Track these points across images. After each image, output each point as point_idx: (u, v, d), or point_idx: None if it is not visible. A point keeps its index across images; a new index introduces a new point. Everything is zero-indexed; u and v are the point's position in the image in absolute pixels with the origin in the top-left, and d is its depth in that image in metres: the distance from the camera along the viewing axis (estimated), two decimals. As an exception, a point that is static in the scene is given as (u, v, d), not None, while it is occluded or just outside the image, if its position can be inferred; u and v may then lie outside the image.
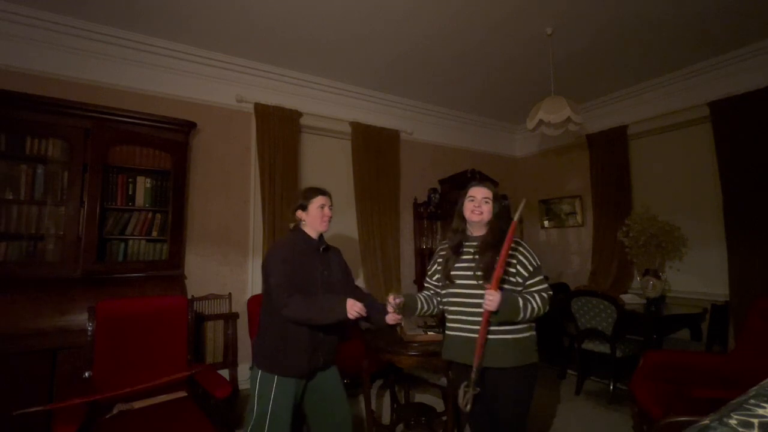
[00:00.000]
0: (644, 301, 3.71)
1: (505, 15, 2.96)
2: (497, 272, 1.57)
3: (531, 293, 1.69)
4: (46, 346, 2.29)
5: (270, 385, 1.72)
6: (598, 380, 3.55)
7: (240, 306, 3.48)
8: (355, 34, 3.19)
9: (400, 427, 2.63)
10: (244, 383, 3.31)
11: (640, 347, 3.25)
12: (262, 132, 3.64)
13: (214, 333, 3.28)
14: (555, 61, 3.34)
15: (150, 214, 3.06)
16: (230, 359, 3.27)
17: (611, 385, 3.17)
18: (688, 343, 3.59)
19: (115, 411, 2.02)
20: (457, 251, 1.81)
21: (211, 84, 3.54)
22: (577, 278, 4.83)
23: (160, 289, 2.92)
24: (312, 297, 1.72)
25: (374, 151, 4.28)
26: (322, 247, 1.89)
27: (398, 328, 2.40)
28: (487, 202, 1.76)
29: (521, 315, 1.63)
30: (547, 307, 1.69)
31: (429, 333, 2.46)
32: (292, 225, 1.95)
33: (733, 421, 0.49)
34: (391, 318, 1.80)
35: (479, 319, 1.65)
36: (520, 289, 1.71)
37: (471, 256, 1.76)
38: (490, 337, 1.64)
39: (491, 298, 1.56)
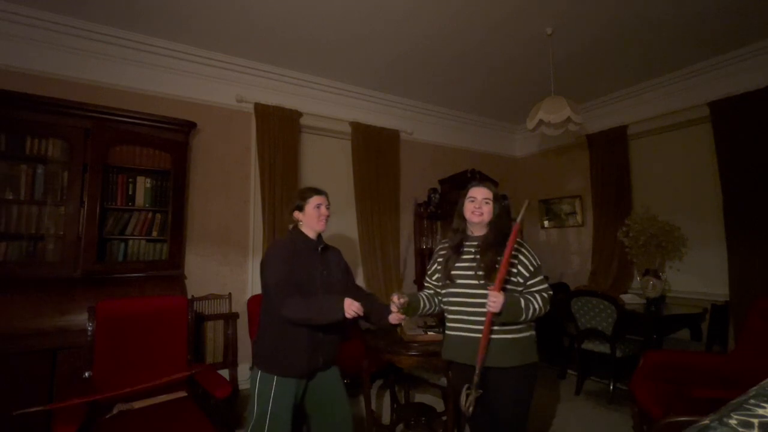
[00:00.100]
0: (644, 301, 3.71)
1: (505, 15, 2.96)
2: (500, 274, 1.57)
3: (532, 293, 1.70)
4: (46, 346, 2.29)
5: (269, 385, 1.71)
6: (598, 380, 3.55)
7: (240, 306, 3.48)
8: (355, 34, 3.19)
9: (400, 427, 2.63)
10: (244, 383, 3.31)
11: (640, 347, 3.25)
12: (262, 132, 3.64)
13: (214, 333, 3.28)
14: (555, 61, 3.34)
15: (150, 214, 3.06)
16: (230, 359, 3.27)
17: (611, 385, 3.17)
18: (688, 343, 3.59)
19: (115, 411, 2.02)
20: (457, 251, 1.81)
21: (211, 84, 3.54)
22: (577, 278, 4.83)
23: (160, 289, 2.92)
24: (311, 297, 1.72)
25: (374, 151, 4.28)
26: (320, 247, 1.89)
27: (398, 329, 2.40)
28: (487, 203, 1.76)
29: (523, 316, 1.64)
30: (548, 307, 1.70)
31: (429, 333, 2.46)
32: (290, 226, 1.95)
33: (733, 421, 0.49)
34: (394, 318, 1.79)
35: (480, 318, 1.66)
36: (520, 289, 1.72)
37: (472, 256, 1.76)
38: (491, 337, 1.64)
39: (495, 300, 1.56)
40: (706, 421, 0.50)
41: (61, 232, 2.72)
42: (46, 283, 2.60)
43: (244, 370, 3.34)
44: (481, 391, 1.59)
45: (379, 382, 3.40)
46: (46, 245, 2.73)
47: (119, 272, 2.88)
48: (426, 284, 1.98)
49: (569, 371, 3.74)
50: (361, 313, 1.62)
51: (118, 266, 2.90)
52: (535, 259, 1.75)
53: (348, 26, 3.08)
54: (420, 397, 3.21)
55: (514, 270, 1.71)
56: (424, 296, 1.90)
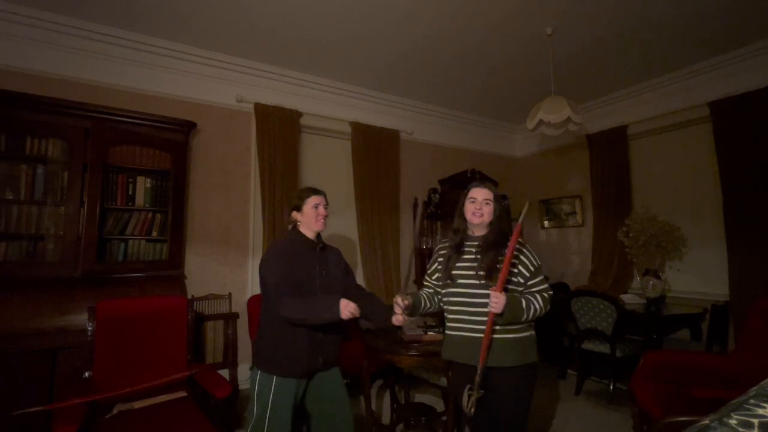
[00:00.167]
0: (644, 301, 3.71)
1: (505, 15, 2.96)
2: (502, 275, 1.58)
3: (533, 293, 1.70)
4: (46, 346, 2.29)
5: (269, 385, 1.72)
6: (598, 380, 3.55)
7: (240, 306, 3.48)
8: (355, 34, 3.19)
9: (400, 427, 2.63)
10: (244, 383, 3.31)
11: (640, 347, 3.25)
12: (262, 132, 3.64)
13: (214, 333, 3.28)
14: (555, 61, 3.34)
15: (150, 214, 3.06)
16: (230, 359, 3.27)
17: (611, 385, 3.17)
18: (688, 343, 3.59)
19: (115, 411, 2.02)
20: (458, 251, 1.81)
21: (211, 84, 3.54)
22: (577, 278, 4.83)
23: (160, 289, 2.92)
24: (309, 297, 1.73)
25: (374, 151, 4.28)
26: (319, 247, 1.89)
27: (399, 330, 2.40)
28: (488, 204, 1.76)
29: (525, 316, 1.64)
30: (548, 307, 1.71)
31: (429, 333, 2.46)
32: (289, 226, 1.95)
33: (733, 421, 0.49)
34: (397, 320, 1.79)
35: (480, 318, 1.66)
36: (521, 289, 1.72)
37: (473, 256, 1.77)
38: (492, 337, 1.64)
39: (497, 301, 1.56)
40: (706, 421, 0.50)
41: (61, 232, 2.72)
42: (46, 283, 2.60)
43: (244, 370, 3.35)
44: (482, 391, 1.60)
45: (379, 382, 3.40)
46: (46, 245, 2.73)
47: (119, 272, 2.88)
48: (425, 283, 1.98)
49: (569, 371, 3.74)
50: (358, 315, 1.61)
51: (118, 266, 2.90)
52: (535, 259, 1.75)
53: (348, 26, 3.08)
54: (420, 397, 3.21)
55: (515, 270, 1.71)
56: (424, 295, 1.91)
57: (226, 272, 3.52)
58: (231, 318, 3.35)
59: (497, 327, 1.65)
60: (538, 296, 1.69)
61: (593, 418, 2.89)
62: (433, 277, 1.93)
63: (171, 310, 2.47)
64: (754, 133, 3.34)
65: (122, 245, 2.97)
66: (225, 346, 3.30)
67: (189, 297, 2.90)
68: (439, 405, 2.85)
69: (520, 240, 1.72)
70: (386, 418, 2.83)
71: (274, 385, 1.71)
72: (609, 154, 4.47)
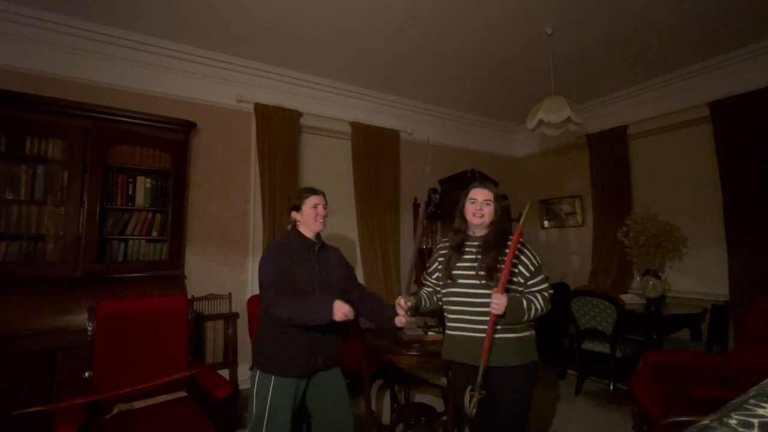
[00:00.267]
0: (644, 301, 3.70)
1: (505, 15, 2.96)
2: (503, 276, 1.58)
3: (533, 293, 1.71)
4: (46, 346, 2.29)
5: (268, 384, 1.72)
6: (598, 380, 3.55)
7: (240, 306, 3.48)
8: (355, 34, 3.19)
9: (400, 427, 2.63)
10: (244, 383, 3.32)
11: (640, 347, 3.25)
12: (262, 132, 3.64)
13: (214, 333, 3.28)
14: (555, 61, 3.34)
15: (150, 214, 3.06)
16: (230, 359, 3.27)
17: (611, 385, 3.17)
18: (688, 343, 3.59)
19: (115, 411, 2.02)
20: (459, 251, 1.81)
21: (211, 84, 3.54)
22: (577, 278, 4.82)
23: (160, 289, 2.92)
24: (307, 297, 1.73)
25: (374, 151, 4.28)
26: (317, 246, 1.89)
27: (399, 331, 2.40)
28: (488, 204, 1.77)
29: (526, 316, 1.65)
30: (549, 306, 1.72)
31: (429, 333, 2.46)
32: (289, 226, 1.95)
33: (733, 421, 0.49)
34: (400, 321, 1.79)
35: (481, 318, 1.67)
36: (521, 289, 1.72)
37: (473, 256, 1.77)
38: (494, 336, 1.65)
39: (498, 302, 1.56)
40: (706, 421, 0.50)
41: (61, 232, 2.72)
42: (46, 283, 2.60)
43: (244, 370, 3.35)
44: (484, 392, 1.60)
45: (379, 382, 3.40)
46: (46, 245, 2.73)
47: (119, 272, 2.88)
48: (425, 282, 1.99)
49: (569, 371, 3.74)
50: (351, 317, 1.60)
51: (118, 266, 2.90)
52: (535, 259, 1.75)
53: (348, 26, 3.08)
54: (420, 397, 3.21)
55: (515, 270, 1.72)
56: (424, 294, 1.91)
57: (226, 272, 3.53)
58: (231, 318, 3.35)
59: (498, 327, 1.66)
60: (538, 295, 1.70)
61: (593, 418, 2.89)
62: (433, 276, 1.94)
63: (171, 310, 2.47)
64: (754, 133, 3.34)
65: (122, 245, 2.97)
66: (225, 346, 3.30)
67: (189, 297, 2.90)
68: (439, 405, 2.85)
69: (521, 240, 1.72)
70: (386, 418, 2.83)
71: (272, 384, 1.71)
72: (609, 154, 4.47)
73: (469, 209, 1.79)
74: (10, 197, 2.64)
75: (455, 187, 4.53)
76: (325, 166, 4.21)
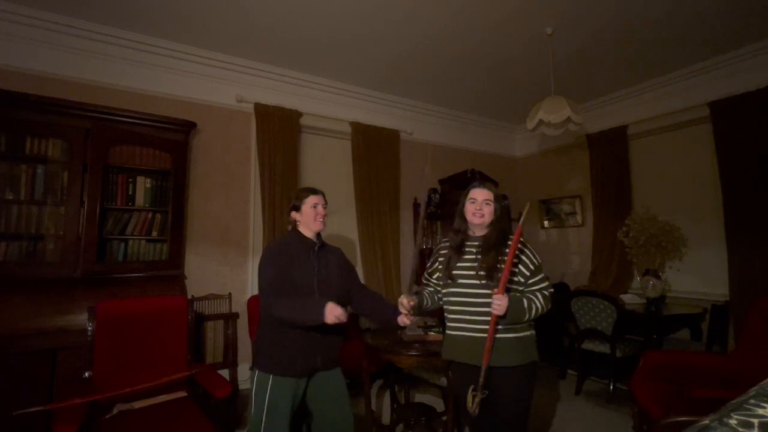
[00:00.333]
0: (644, 301, 3.70)
1: (505, 15, 2.96)
2: (504, 276, 1.58)
3: (533, 292, 1.71)
4: (46, 346, 2.29)
5: (267, 384, 1.72)
6: (598, 380, 3.55)
7: (240, 306, 3.48)
8: (355, 34, 3.19)
9: (400, 427, 2.63)
10: (244, 383, 3.31)
11: (640, 347, 3.25)
12: (262, 132, 3.64)
13: (214, 333, 3.28)
14: (555, 61, 3.34)
15: (150, 214, 3.06)
16: (230, 359, 3.26)
17: (611, 385, 3.17)
18: (688, 343, 3.59)
19: (115, 411, 2.02)
20: (459, 251, 1.81)
21: (211, 84, 3.54)
22: (577, 278, 4.82)
23: (160, 289, 2.92)
24: (304, 298, 1.73)
25: (374, 151, 4.28)
26: (317, 246, 1.89)
27: (399, 330, 2.40)
28: (488, 204, 1.77)
29: (527, 315, 1.65)
30: (549, 305, 1.72)
31: (429, 333, 2.46)
32: (289, 227, 1.95)
33: (733, 421, 0.49)
34: (403, 320, 1.80)
35: (481, 318, 1.67)
36: (522, 288, 1.72)
37: (473, 256, 1.77)
38: (495, 336, 1.65)
39: (499, 303, 1.57)
40: (706, 421, 0.50)
41: (61, 232, 2.72)
42: (46, 283, 2.60)
43: (244, 370, 3.34)
44: (486, 392, 1.60)
45: (379, 382, 3.40)
46: (46, 245, 2.73)
47: (119, 272, 2.88)
48: (425, 281, 1.99)
49: (569, 371, 3.74)
50: (344, 320, 1.59)
51: (118, 266, 2.90)
52: (535, 258, 1.75)
53: (348, 26, 3.08)
54: (420, 397, 3.21)
55: (516, 270, 1.72)
56: (425, 294, 1.92)
57: (226, 272, 3.53)
58: (231, 318, 3.35)
59: (499, 327, 1.66)
60: (539, 295, 1.70)
61: (593, 418, 2.89)
62: (434, 276, 1.94)
63: (171, 310, 2.47)
64: (754, 133, 3.34)
65: (122, 245, 2.97)
66: (225, 346, 3.30)
67: (189, 297, 2.90)
68: (439, 405, 2.85)
69: (521, 240, 1.72)
70: (386, 418, 2.83)
71: (271, 384, 1.72)
72: (609, 154, 4.47)
73: (469, 209, 1.79)
74: (10, 197, 2.64)
75: (455, 187, 4.53)
76: (325, 166, 4.21)
